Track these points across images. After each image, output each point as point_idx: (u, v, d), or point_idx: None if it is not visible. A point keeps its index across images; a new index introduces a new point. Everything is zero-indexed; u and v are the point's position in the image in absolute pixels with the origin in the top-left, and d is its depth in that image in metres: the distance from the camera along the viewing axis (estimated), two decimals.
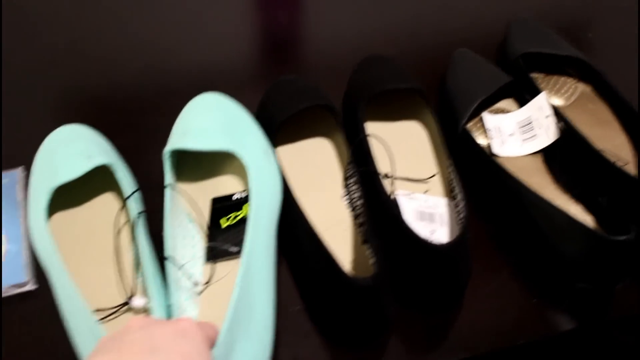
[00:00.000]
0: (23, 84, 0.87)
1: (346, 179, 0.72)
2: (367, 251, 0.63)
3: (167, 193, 0.65)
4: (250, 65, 0.93)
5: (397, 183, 0.71)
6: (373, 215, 0.66)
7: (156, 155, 0.69)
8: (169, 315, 0.59)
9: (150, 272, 0.60)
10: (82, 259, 0.65)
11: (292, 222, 0.66)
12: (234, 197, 0.68)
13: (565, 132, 0.75)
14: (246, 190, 0.68)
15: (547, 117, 0.76)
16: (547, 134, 0.76)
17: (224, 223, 0.66)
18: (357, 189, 0.69)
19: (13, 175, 0.74)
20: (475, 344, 0.64)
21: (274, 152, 0.70)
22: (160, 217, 0.65)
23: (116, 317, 0.61)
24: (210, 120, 0.69)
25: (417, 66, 0.87)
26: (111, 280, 0.64)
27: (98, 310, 0.61)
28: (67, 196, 0.68)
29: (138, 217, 0.64)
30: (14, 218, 0.70)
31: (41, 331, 0.63)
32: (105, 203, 0.70)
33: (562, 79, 0.86)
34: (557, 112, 0.76)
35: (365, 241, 0.64)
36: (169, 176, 0.66)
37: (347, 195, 0.71)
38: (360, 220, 0.67)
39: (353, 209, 0.70)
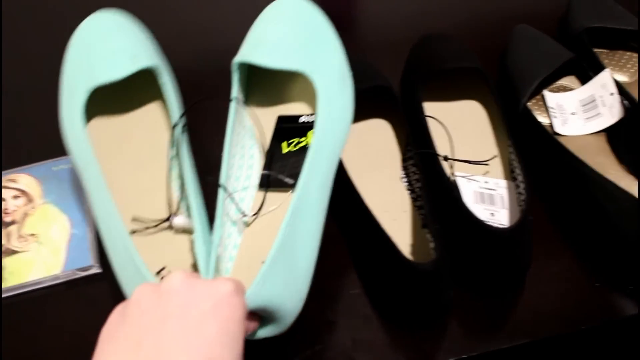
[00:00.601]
0: None
1: (404, 160, 0.72)
2: (427, 235, 0.63)
3: (232, 107, 0.61)
4: None
5: (456, 165, 0.70)
6: (432, 198, 0.65)
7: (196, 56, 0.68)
8: (207, 243, 0.56)
9: (192, 194, 0.57)
10: (120, 167, 0.63)
11: (350, 204, 0.66)
12: (301, 120, 0.63)
13: (630, 110, 0.73)
14: (314, 114, 0.63)
15: (611, 94, 0.74)
16: (611, 112, 0.74)
17: (285, 148, 0.62)
18: (415, 170, 0.68)
19: None
20: (536, 329, 0.63)
21: (351, 77, 0.64)
22: (206, 133, 0.64)
23: (155, 232, 0.59)
24: (287, 32, 0.62)
25: (476, 43, 0.85)
26: (151, 192, 0.61)
27: (134, 219, 0.59)
28: (104, 97, 0.64)
29: (182, 133, 0.60)
30: (78, 202, 0.72)
31: (106, 313, 0.64)
32: (146, 107, 0.66)
33: (627, 54, 0.84)
34: (622, 89, 0.74)
35: (424, 225, 0.64)
36: (235, 88, 0.62)
37: (405, 177, 0.71)
38: (419, 202, 0.67)
39: (412, 191, 0.69)
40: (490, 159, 0.72)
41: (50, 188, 0.73)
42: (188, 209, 0.58)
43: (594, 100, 0.76)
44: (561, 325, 0.63)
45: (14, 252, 0.68)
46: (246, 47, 0.63)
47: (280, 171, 0.61)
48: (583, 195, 0.68)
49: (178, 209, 0.60)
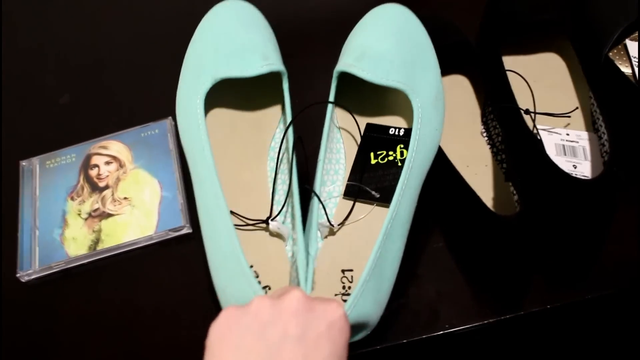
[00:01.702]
0: (163, 39, 0.91)
1: (484, 115, 0.72)
2: (510, 188, 0.63)
3: (329, 111, 0.62)
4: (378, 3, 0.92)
5: (537, 117, 0.70)
6: (514, 152, 0.65)
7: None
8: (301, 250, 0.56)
9: (297, 204, 0.58)
10: (228, 160, 0.64)
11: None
12: (390, 131, 0.64)
13: None
14: (403, 128, 0.64)
15: None
16: None
17: (373, 159, 0.63)
18: (496, 125, 0.68)
19: (163, 125, 0.78)
20: (620, 279, 0.63)
21: (443, 98, 0.65)
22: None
23: (252, 230, 0.61)
24: (391, 46, 0.62)
25: None
26: (254, 191, 0.63)
27: (233, 213, 0.60)
28: (226, 88, 0.65)
29: (295, 142, 0.61)
30: (167, 166, 0.74)
31: (197, 272, 0.66)
32: (260, 109, 0.68)
33: None
34: None
35: (507, 178, 0.64)
36: (333, 94, 0.64)
37: (485, 131, 0.71)
38: (500, 156, 0.67)
39: (492, 145, 0.69)
40: (572, 111, 0.71)
41: (140, 153, 0.76)
42: (290, 216, 0.59)
43: None
44: None
45: (109, 215, 0.72)
46: (349, 56, 0.64)
47: (367, 182, 0.62)
48: None
49: (279, 213, 0.60)
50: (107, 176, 0.75)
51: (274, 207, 0.61)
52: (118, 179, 0.74)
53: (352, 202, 0.62)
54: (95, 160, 0.76)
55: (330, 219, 0.61)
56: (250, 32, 0.65)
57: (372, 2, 0.75)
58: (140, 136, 0.77)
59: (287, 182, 0.61)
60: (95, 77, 0.87)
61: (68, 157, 0.76)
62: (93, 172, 0.75)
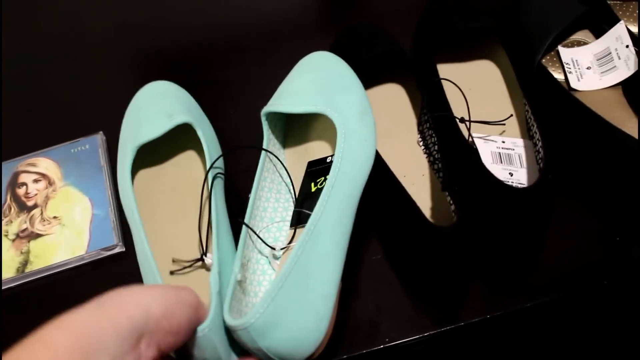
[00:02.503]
0: (95, 50, 0.89)
1: (420, 124, 0.71)
2: (446, 197, 0.63)
3: (262, 155, 0.65)
4: (316, 14, 0.92)
5: (473, 126, 0.70)
6: (450, 161, 0.65)
7: (235, 109, 0.71)
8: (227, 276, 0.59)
9: (215, 233, 0.60)
10: (165, 215, 0.67)
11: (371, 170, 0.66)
12: (327, 160, 0.66)
13: None
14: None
15: (626, 46, 0.74)
16: (627, 64, 0.73)
17: (313, 187, 0.65)
18: (432, 134, 0.68)
19: (94, 141, 0.76)
20: (559, 286, 0.63)
21: (371, 112, 0.66)
22: (243, 174, 0.67)
23: (191, 271, 0.62)
24: (308, 81, 0.67)
25: (488, 2, 0.84)
26: (191, 236, 0.65)
27: (175, 261, 0.63)
28: (154, 153, 0.70)
29: (214, 178, 0.65)
30: (99, 183, 0.72)
31: None
32: (188, 160, 0.71)
33: None
34: (637, 40, 0.73)
35: (444, 188, 0.64)
36: (266, 137, 0.66)
37: (422, 140, 0.71)
38: (437, 165, 0.67)
39: (429, 154, 0.69)
40: (507, 119, 0.71)
41: (70, 170, 0.74)
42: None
43: (609, 54, 0.75)
44: (584, 281, 0.63)
45: (38, 235, 0.69)
46: (273, 98, 0.69)
47: (309, 208, 0.62)
48: (601, 150, 0.67)
49: (207, 249, 0.63)
50: (36, 194, 0.72)
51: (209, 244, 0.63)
52: (47, 198, 0.72)
53: (301, 230, 0.62)
54: (22, 178, 0.73)
55: (279, 245, 0.63)
56: (160, 101, 0.71)
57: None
58: (70, 152, 0.75)
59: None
60: (23, 92, 0.84)
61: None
62: (21, 191, 0.72)
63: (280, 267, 0.62)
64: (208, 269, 0.62)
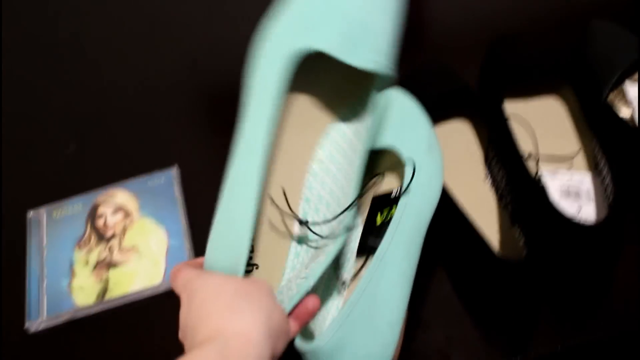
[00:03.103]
0: (171, 86, 0.92)
1: (488, 159, 0.72)
2: (516, 232, 0.63)
3: None
4: None
5: (541, 161, 0.70)
6: (518, 196, 0.66)
7: None
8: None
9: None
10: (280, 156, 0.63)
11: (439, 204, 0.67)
12: (392, 195, 0.66)
13: None
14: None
15: None
16: None
17: (379, 220, 0.65)
18: (499, 169, 0.69)
19: (168, 174, 0.79)
20: (628, 319, 0.63)
21: (439, 147, 0.67)
22: None
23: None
24: (383, 117, 0.66)
25: (552, 38, 0.85)
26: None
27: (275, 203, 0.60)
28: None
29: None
30: (173, 214, 0.75)
31: None
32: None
33: None
34: None
35: (513, 223, 0.64)
36: None
37: (489, 176, 0.72)
38: (505, 201, 0.68)
39: (496, 190, 0.70)
40: (575, 155, 0.72)
41: (146, 202, 0.77)
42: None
43: None
44: None
45: (116, 264, 0.72)
46: None
47: (375, 240, 0.63)
48: None
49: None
50: (114, 225, 0.75)
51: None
52: (125, 228, 0.75)
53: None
54: (101, 209, 0.76)
55: (346, 274, 0.64)
56: (383, 18, 0.58)
57: None
58: (146, 185, 0.78)
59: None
60: (100, 126, 0.88)
61: (75, 207, 0.77)
62: (100, 222, 0.75)
63: (348, 294, 0.63)
64: (296, 237, 0.60)
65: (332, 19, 0.54)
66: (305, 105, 0.64)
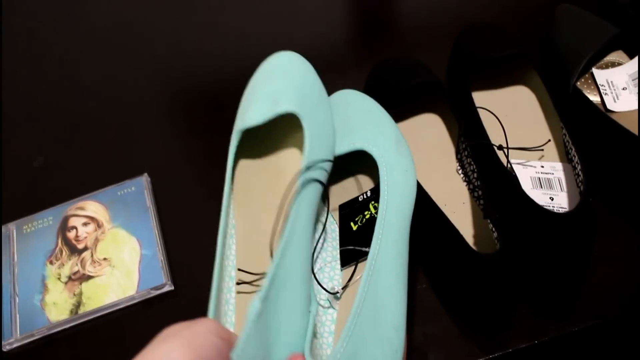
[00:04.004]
0: (136, 93, 0.91)
1: (458, 152, 0.72)
2: (489, 225, 0.63)
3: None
4: (349, 47, 0.93)
5: (511, 151, 0.70)
6: (490, 188, 0.65)
7: None
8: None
9: (288, 247, 0.56)
10: (257, 210, 0.65)
11: None
12: (359, 199, 0.66)
13: None
14: (368, 190, 0.66)
15: None
16: None
17: (354, 226, 0.65)
18: (470, 162, 0.69)
19: (139, 183, 0.78)
20: (606, 309, 0.63)
21: (406, 144, 0.67)
22: None
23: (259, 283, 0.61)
24: (339, 121, 0.68)
25: (519, 27, 0.85)
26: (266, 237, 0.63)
27: (241, 270, 0.61)
28: (263, 139, 0.68)
29: (308, 182, 0.60)
30: (145, 223, 0.74)
31: None
32: (291, 154, 0.68)
33: None
34: None
35: (486, 216, 0.64)
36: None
37: (460, 169, 0.71)
38: (477, 193, 0.67)
39: (468, 182, 0.70)
40: (545, 144, 0.72)
41: (117, 212, 0.76)
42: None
43: None
44: (631, 303, 0.63)
45: (89, 277, 0.71)
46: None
47: (356, 245, 0.64)
48: None
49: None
50: (86, 237, 0.74)
51: None
52: (97, 240, 0.74)
53: (355, 267, 0.63)
54: (72, 222, 0.75)
55: (335, 285, 0.64)
56: (274, 81, 0.65)
57: None
58: (117, 195, 0.77)
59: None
60: (68, 138, 0.87)
61: (45, 221, 0.76)
62: (71, 234, 0.74)
63: (341, 305, 0.62)
64: None
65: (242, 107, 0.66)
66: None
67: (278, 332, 0.52)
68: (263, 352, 0.50)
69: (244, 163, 0.66)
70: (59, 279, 0.71)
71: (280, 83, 0.65)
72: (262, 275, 0.61)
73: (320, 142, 0.63)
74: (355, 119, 0.67)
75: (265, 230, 0.63)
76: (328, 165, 0.63)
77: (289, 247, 0.56)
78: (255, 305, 0.50)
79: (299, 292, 0.56)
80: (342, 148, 0.64)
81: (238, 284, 0.61)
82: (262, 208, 0.65)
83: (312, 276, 0.60)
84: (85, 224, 0.75)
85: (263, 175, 0.67)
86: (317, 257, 0.65)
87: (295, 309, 0.56)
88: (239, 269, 0.61)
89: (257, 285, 0.61)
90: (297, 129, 0.64)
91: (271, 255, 0.60)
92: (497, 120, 0.70)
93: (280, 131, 0.67)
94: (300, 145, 0.66)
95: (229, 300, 0.59)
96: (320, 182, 0.61)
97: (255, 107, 0.62)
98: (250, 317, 0.49)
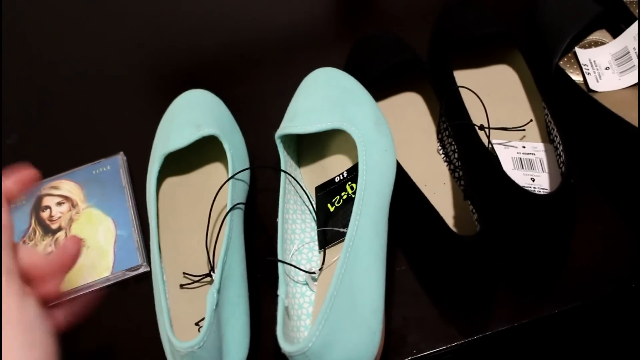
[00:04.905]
0: (113, 70, 0.89)
1: (439, 132, 0.71)
2: (469, 206, 0.62)
3: (282, 177, 0.65)
4: (329, 24, 0.92)
5: (492, 131, 0.69)
6: (471, 169, 0.65)
7: (253, 125, 0.74)
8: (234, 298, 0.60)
9: (229, 249, 0.60)
10: (186, 225, 0.67)
11: None
12: (336, 179, 0.66)
13: None
14: (345, 171, 0.66)
15: None
16: None
17: (332, 207, 0.65)
18: (451, 142, 0.68)
19: (115, 161, 0.76)
20: (586, 291, 0.63)
21: (386, 123, 0.67)
22: (260, 193, 0.68)
23: (200, 286, 0.63)
24: (319, 99, 0.67)
25: (501, 5, 0.84)
26: (204, 249, 0.65)
27: (185, 274, 0.63)
28: (183, 162, 0.71)
29: (233, 193, 0.64)
30: (121, 203, 0.73)
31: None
32: (216, 172, 0.71)
33: None
34: None
35: (466, 197, 0.63)
36: (283, 159, 0.66)
37: (441, 149, 0.70)
38: (458, 173, 0.67)
39: (449, 163, 0.69)
40: (526, 124, 0.71)
41: (92, 191, 0.74)
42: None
43: (627, 53, 0.74)
44: (611, 285, 0.63)
45: None
46: (285, 120, 0.68)
47: (334, 227, 0.63)
48: (623, 151, 0.67)
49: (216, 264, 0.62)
50: (60, 217, 0.73)
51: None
52: (71, 220, 0.72)
53: (333, 248, 0.63)
54: (46, 201, 0.74)
55: (313, 267, 0.63)
56: (192, 111, 0.71)
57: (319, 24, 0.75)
58: (92, 174, 0.76)
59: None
60: (42, 115, 0.85)
61: (17, 201, 0.74)
62: (45, 214, 0.73)
63: (318, 287, 0.62)
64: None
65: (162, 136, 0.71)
66: None
67: (226, 326, 0.57)
68: (218, 343, 0.55)
69: (165, 186, 0.70)
70: None
71: (199, 111, 0.71)
72: (202, 276, 0.63)
73: (239, 162, 0.69)
74: (335, 97, 0.66)
75: (195, 240, 0.66)
76: (246, 182, 0.69)
77: (230, 246, 0.60)
78: (214, 296, 0.55)
79: (242, 288, 0.61)
80: (321, 125, 0.63)
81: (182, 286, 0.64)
82: (187, 222, 0.68)
83: (283, 260, 0.59)
84: (59, 204, 0.74)
85: (186, 194, 0.70)
86: (294, 238, 0.64)
87: (240, 302, 0.60)
88: (184, 273, 0.64)
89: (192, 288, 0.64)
90: (214, 152, 0.72)
91: (209, 259, 0.63)
92: (478, 99, 0.69)
93: (197, 156, 0.72)
94: (216, 167, 0.72)
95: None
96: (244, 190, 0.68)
97: (178, 133, 0.67)
98: (210, 306, 0.54)
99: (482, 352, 0.64)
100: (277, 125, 0.68)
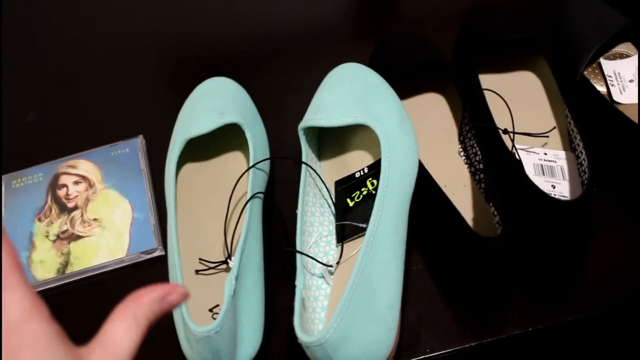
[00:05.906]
0: (136, 55, 0.89)
1: (461, 134, 0.71)
2: (491, 208, 0.62)
3: (303, 169, 0.64)
4: (354, 21, 0.92)
5: (516, 137, 0.69)
6: (493, 172, 0.65)
7: (275, 117, 0.74)
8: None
9: (248, 237, 0.60)
10: (203, 211, 0.67)
11: None
12: (356, 175, 0.66)
13: None
14: (365, 167, 0.66)
15: None
16: None
17: (351, 202, 0.64)
18: (473, 144, 0.68)
19: (134, 144, 0.76)
20: (600, 300, 0.63)
21: (410, 122, 0.67)
22: (279, 185, 0.69)
23: (216, 272, 0.63)
24: (344, 93, 0.66)
25: (528, 12, 0.84)
26: (221, 236, 0.65)
27: (202, 260, 0.63)
28: (203, 148, 0.71)
29: (254, 182, 0.64)
30: (139, 186, 0.73)
31: None
32: (236, 160, 0.71)
33: None
34: None
35: (487, 199, 0.63)
36: (304, 152, 0.66)
37: (463, 151, 0.70)
38: (478, 176, 0.66)
39: (470, 165, 0.69)
40: (550, 131, 0.71)
41: (110, 173, 0.74)
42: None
43: None
44: (626, 296, 0.63)
45: (78, 237, 0.69)
46: (309, 113, 0.68)
47: (352, 221, 0.63)
48: None
49: (233, 252, 0.63)
50: (76, 196, 0.72)
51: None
52: (87, 200, 0.72)
53: (350, 242, 0.63)
54: (63, 179, 0.74)
55: (330, 260, 0.63)
56: (215, 98, 0.71)
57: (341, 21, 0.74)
58: (110, 155, 0.75)
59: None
60: (63, 94, 0.85)
61: (35, 177, 0.74)
62: (61, 192, 0.73)
63: (335, 281, 0.62)
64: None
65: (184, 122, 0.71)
66: None
67: (242, 314, 0.56)
68: (233, 330, 0.55)
69: (184, 171, 0.70)
70: (47, 236, 0.70)
71: (223, 99, 0.71)
72: (218, 263, 0.63)
73: (260, 151, 0.68)
74: (360, 92, 0.66)
75: (212, 227, 0.66)
76: (266, 172, 0.69)
77: (249, 234, 0.60)
78: (232, 282, 0.55)
79: (258, 277, 0.61)
80: (345, 120, 0.63)
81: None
82: (205, 208, 0.68)
83: (302, 251, 0.59)
84: (76, 183, 0.73)
85: (205, 181, 0.70)
86: (312, 230, 0.64)
87: (256, 291, 0.59)
88: (200, 259, 0.64)
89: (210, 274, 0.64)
90: (235, 141, 0.71)
91: (227, 246, 0.63)
92: (500, 104, 0.69)
93: (218, 143, 0.72)
94: (236, 156, 0.72)
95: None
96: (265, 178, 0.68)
97: (200, 119, 0.67)
98: (228, 293, 0.54)
99: (495, 355, 0.64)
100: (296, 118, 0.68)
